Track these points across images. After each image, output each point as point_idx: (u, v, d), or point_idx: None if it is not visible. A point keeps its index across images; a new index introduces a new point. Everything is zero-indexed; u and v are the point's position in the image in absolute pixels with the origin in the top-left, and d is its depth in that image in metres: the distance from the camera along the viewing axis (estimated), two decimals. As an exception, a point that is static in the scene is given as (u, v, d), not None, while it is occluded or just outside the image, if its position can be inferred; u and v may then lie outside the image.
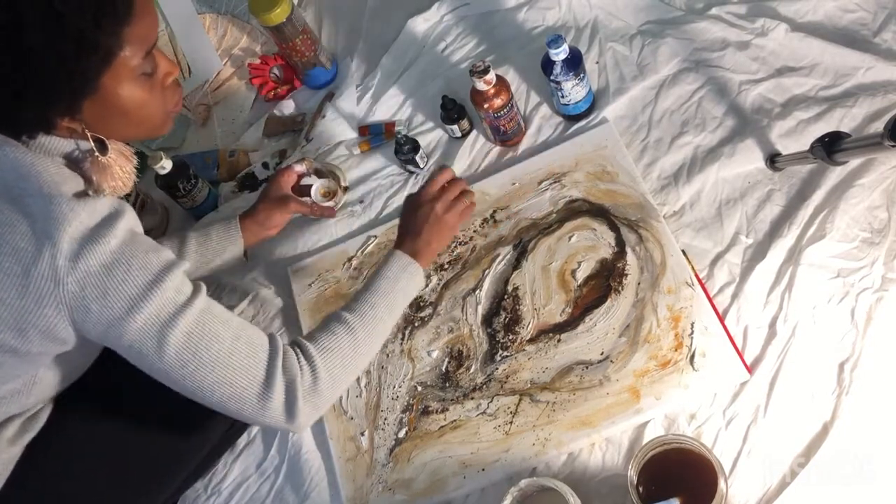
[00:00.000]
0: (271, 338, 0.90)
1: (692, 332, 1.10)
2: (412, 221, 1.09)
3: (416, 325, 1.26)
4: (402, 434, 1.18)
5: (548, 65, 1.24)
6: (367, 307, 0.97)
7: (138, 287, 0.80)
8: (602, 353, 1.13)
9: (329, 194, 1.27)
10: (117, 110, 0.84)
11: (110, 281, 0.78)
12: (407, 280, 1.03)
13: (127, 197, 1.39)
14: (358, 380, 1.24)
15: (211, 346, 0.83)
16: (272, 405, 0.85)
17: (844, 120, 1.18)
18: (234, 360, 0.84)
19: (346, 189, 1.43)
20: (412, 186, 1.40)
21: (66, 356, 0.89)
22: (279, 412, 0.86)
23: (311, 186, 1.30)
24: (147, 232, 1.44)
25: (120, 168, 0.89)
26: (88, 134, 0.84)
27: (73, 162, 0.86)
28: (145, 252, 0.82)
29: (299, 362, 0.89)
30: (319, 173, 1.31)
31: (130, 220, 0.84)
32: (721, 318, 1.10)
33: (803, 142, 1.14)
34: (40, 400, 0.98)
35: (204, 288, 0.88)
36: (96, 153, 0.86)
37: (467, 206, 1.12)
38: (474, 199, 1.15)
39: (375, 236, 1.36)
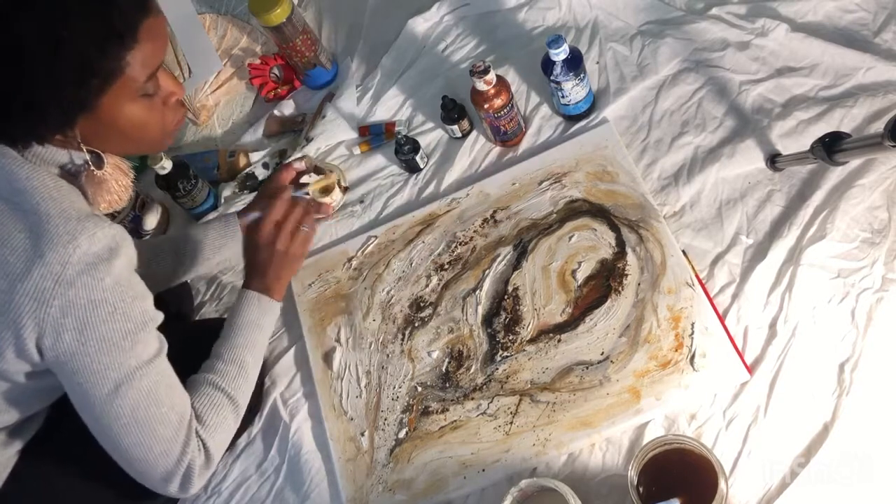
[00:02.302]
0: (191, 413, 0.91)
1: (692, 333, 1.10)
2: (255, 261, 1.06)
3: (417, 325, 1.26)
4: (402, 434, 1.18)
5: (548, 65, 1.24)
6: (237, 368, 0.98)
7: (115, 332, 0.80)
8: (602, 354, 1.13)
9: (326, 191, 1.27)
10: (115, 129, 0.83)
11: (92, 318, 0.79)
12: (267, 322, 1.04)
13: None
14: (358, 380, 1.24)
15: (150, 408, 0.85)
16: (173, 481, 0.89)
17: (845, 120, 1.18)
18: (161, 429, 0.86)
19: (346, 189, 1.43)
20: (412, 187, 1.40)
21: (39, 375, 0.88)
22: (175, 486, 0.90)
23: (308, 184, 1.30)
24: (148, 233, 1.46)
25: (116, 182, 0.88)
26: (84, 147, 0.83)
27: (68, 174, 0.85)
28: (133, 298, 0.83)
29: (198, 443, 0.91)
30: (319, 171, 1.31)
31: (128, 256, 0.84)
32: (721, 319, 1.10)
33: (803, 142, 1.14)
34: (26, 414, 0.97)
35: (165, 347, 0.89)
36: (91, 167, 0.84)
37: (308, 234, 1.08)
38: (313, 219, 1.10)
39: (376, 236, 1.36)
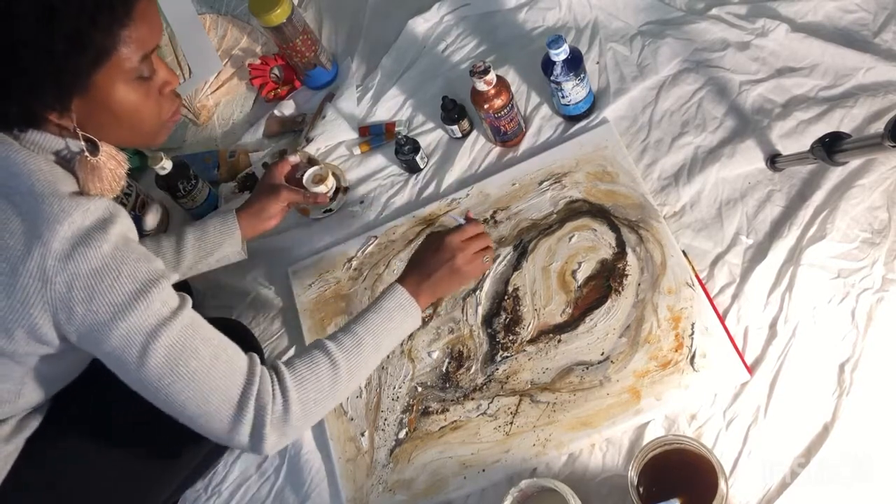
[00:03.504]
0: (251, 359, 0.88)
1: (692, 333, 1.10)
2: (427, 260, 1.05)
3: (417, 325, 1.26)
4: (402, 435, 1.18)
5: (548, 65, 1.24)
6: (354, 343, 0.95)
7: (125, 295, 0.79)
8: (602, 354, 1.13)
9: (320, 181, 1.26)
10: (109, 111, 0.83)
11: (98, 285, 0.78)
12: (402, 319, 1.00)
13: (127, 197, 1.39)
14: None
15: (189, 361, 0.82)
16: (241, 428, 0.84)
17: (845, 120, 1.18)
18: (211, 378, 0.83)
19: (346, 189, 1.43)
20: (413, 187, 1.40)
21: (53, 359, 0.88)
22: (246, 436, 0.85)
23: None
24: (148, 233, 1.46)
25: (110, 171, 0.87)
26: (80, 133, 0.83)
27: (63, 160, 0.86)
28: (136, 260, 0.82)
29: (273, 389, 0.87)
30: (313, 162, 1.30)
31: (124, 225, 0.84)
32: (721, 319, 1.10)
33: (803, 142, 1.14)
34: (30, 404, 0.98)
35: (190, 301, 0.87)
36: (86, 153, 0.84)
37: (485, 264, 1.08)
38: (493, 257, 1.10)
39: (376, 237, 1.36)
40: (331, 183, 1.28)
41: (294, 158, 1.24)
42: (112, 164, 0.87)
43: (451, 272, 1.04)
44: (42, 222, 0.76)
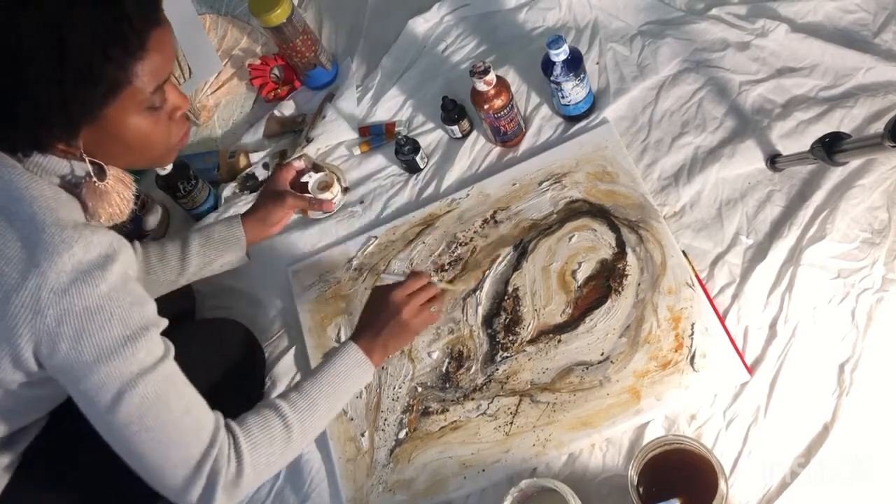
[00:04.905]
0: (216, 419, 0.87)
1: (692, 333, 1.10)
2: (376, 317, 1.06)
3: (417, 325, 1.26)
4: (402, 435, 1.18)
5: (548, 65, 1.24)
6: (308, 404, 0.95)
7: (113, 339, 0.78)
8: (602, 354, 1.13)
9: (326, 187, 1.27)
10: (119, 141, 0.82)
11: (88, 325, 0.77)
12: (356, 379, 1.01)
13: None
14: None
15: (161, 413, 0.81)
16: (193, 489, 0.84)
17: (845, 120, 1.18)
18: (177, 433, 0.83)
19: (346, 190, 1.43)
20: (412, 187, 1.40)
21: (35, 386, 0.85)
22: (195, 497, 0.84)
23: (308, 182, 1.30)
24: (148, 233, 1.46)
25: (118, 195, 0.86)
26: (86, 158, 0.82)
27: (69, 185, 0.84)
28: (130, 304, 0.80)
29: (229, 453, 0.86)
30: (318, 169, 1.31)
31: (125, 263, 0.82)
32: (721, 319, 1.10)
33: (803, 142, 1.14)
34: (19, 425, 0.96)
35: (172, 351, 0.86)
36: (94, 178, 0.83)
37: (432, 315, 1.09)
38: (441, 307, 1.11)
39: (376, 237, 1.36)
40: (336, 189, 1.29)
41: (299, 164, 1.24)
42: (120, 188, 0.86)
43: (399, 327, 1.04)
44: (41, 252, 0.75)
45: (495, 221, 1.30)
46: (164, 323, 0.86)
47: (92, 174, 0.83)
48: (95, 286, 0.77)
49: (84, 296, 0.76)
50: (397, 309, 1.05)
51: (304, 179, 1.27)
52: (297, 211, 1.42)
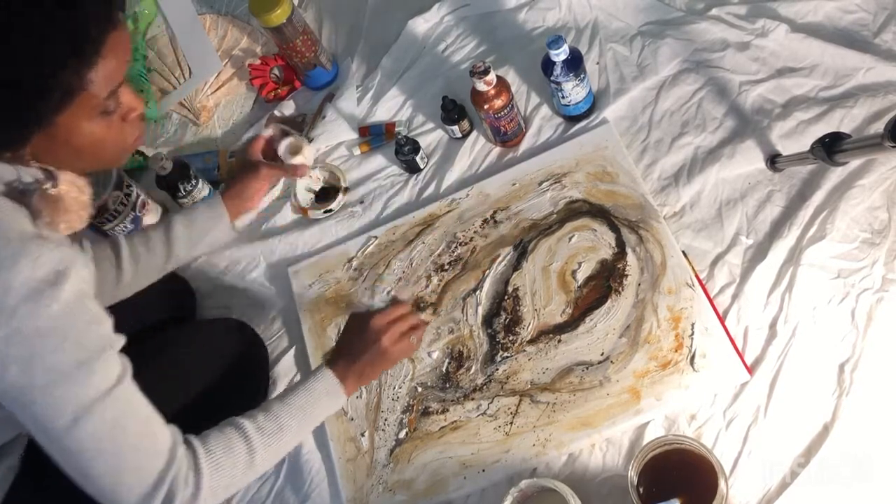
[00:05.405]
0: (173, 438, 0.83)
1: (692, 333, 1.10)
2: (353, 343, 1.02)
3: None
4: (402, 435, 1.18)
5: (548, 65, 1.24)
6: (275, 427, 0.91)
7: (67, 362, 0.74)
8: (602, 354, 1.13)
9: (296, 151, 1.22)
10: (70, 146, 0.78)
11: (40, 348, 0.72)
12: (326, 405, 0.97)
13: (127, 197, 1.39)
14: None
15: (116, 437, 0.77)
16: None
17: (845, 120, 1.18)
18: (133, 456, 0.79)
19: (346, 189, 1.43)
20: (412, 187, 1.40)
21: None
22: None
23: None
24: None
25: (73, 199, 0.81)
26: (35, 164, 0.78)
27: (15, 192, 0.78)
28: (87, 323, 0.76)
29: (187, 476, 0.82)
30: (286, 134, 1.26)
31: (80, 277, 0.77)
32: (721, 319, 1.10)
33: (803, 142, 1.14)
34: None
35: (130, 370, 0.81)
36: (46, 185, 0.78)
37: (411, 345, 1.05)
38: (421, 337, 1.08)
39: (376, 237, 1.36)
40: (308, 152, 1.23)
41: (267, 132, 1.21)
42: (74, 192, 0.81)
43: (377, 355, 1.01)
44: None
45: (495, 221, 1.30)
46: (122, 341, 0.82)
47: (42, 181, 0.79)
48: (47, 306, 0.72)
49: (35, 316, 0.71)
50: (377, 336, 1.01)
51: (275, 147, 1.24)
52: (297, 210, 1.43)
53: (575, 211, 1.25)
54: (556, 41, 1.19)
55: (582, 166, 1.28)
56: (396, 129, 1.46)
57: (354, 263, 1.35)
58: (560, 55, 1.20)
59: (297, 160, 1.22)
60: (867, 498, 0.95)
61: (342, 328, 1.09)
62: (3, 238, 0.73)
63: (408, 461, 1.16)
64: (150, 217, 1.47)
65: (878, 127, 1.01)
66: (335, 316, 1.31)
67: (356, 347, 1.02)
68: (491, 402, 1.16)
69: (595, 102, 1.34)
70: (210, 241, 1.18)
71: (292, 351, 1.31)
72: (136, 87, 1.63)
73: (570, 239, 1.23)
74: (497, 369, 1.18)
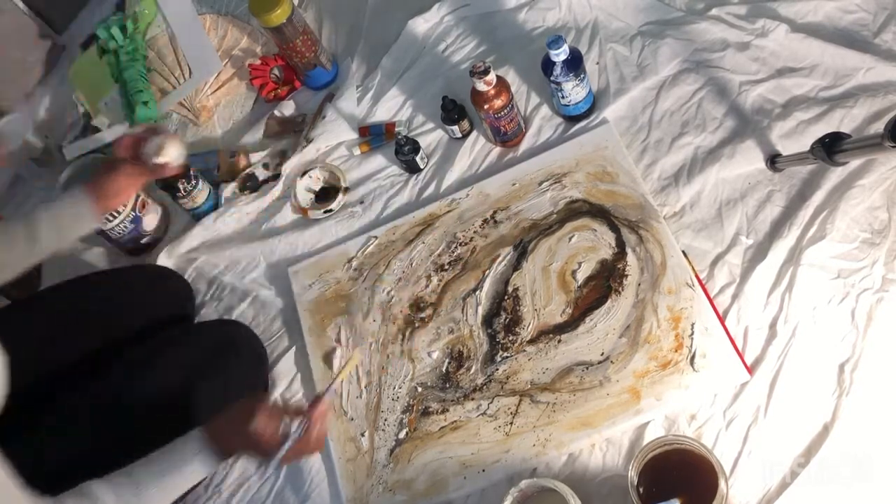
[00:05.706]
0: None
1: (692, 333, 1.10)
2: (238, 426, 0.91)
3: (417, 325, 1.26)
4: (402, 435, 1.18)
5: (548, 65, 1.24)
6: (133, 492, 0.85)
7: None
8: (602, 354, 1.13)
9: (160, 151, 1.15)
10: None
11: None
12: (192, 472, 0.90)
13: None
14: (358, 380, 1.24)
15: None
16: None
17: (845, 120, 1.18)
18: None
19: (346, 189, 1.43)
20: (412, 187, 1.40)
21: None
22: None
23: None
24: (147, 233, 1.46)
25: None
26: None
27: None
28: None
29: None
30: (156, 132, 1.18)
31: None
32: (721, 319, 1.10)
33: (803, 142, 1.14)
34: None
35: None
36: None
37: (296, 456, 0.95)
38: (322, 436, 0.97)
39: (376, 237, 1.36)
40: (173, 152, 1.16)
41: (132, 130, 1.17)
42: None
43: (257, 450, 0.92)
44: None
45: (495, 221, 1.30)
46: (31, 261, 0.76)
47: None
48: None
49: None
50: (271, 451, 0.91)
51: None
52: (297, 211, 1.43)
53: (575, 211, 1.25)
54: (556, 41, 1.19)
55: (582, 166, 1.28)
56: (396, 129, 1.46)
57: (354, 263, 1.35)
58: (560, 55, 1.20)
59: (160, 159, 1.15)
60: (867, 498, 0.95)
61: (234, 407, 0.95)
62: None
63: (408, 461, 1.16)
64: (150, 217, 1.47)
65: (878, 127, 1.01)
66: (335, 316, 1.31)
67: (248, 444, 0.92)
68: (491, 402, 1.16)
69: (595, 102, 1.34)
70: (77, 237, 1.16)
71: (292, 351, 1.31)
72: (135, 87, 1.63)
73: (570, 239, 1.23)
74: (497, 369, 1.18)
